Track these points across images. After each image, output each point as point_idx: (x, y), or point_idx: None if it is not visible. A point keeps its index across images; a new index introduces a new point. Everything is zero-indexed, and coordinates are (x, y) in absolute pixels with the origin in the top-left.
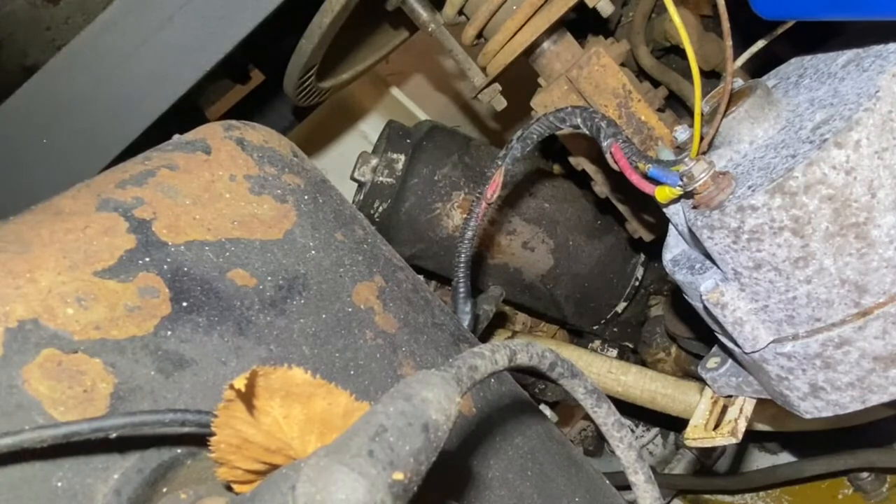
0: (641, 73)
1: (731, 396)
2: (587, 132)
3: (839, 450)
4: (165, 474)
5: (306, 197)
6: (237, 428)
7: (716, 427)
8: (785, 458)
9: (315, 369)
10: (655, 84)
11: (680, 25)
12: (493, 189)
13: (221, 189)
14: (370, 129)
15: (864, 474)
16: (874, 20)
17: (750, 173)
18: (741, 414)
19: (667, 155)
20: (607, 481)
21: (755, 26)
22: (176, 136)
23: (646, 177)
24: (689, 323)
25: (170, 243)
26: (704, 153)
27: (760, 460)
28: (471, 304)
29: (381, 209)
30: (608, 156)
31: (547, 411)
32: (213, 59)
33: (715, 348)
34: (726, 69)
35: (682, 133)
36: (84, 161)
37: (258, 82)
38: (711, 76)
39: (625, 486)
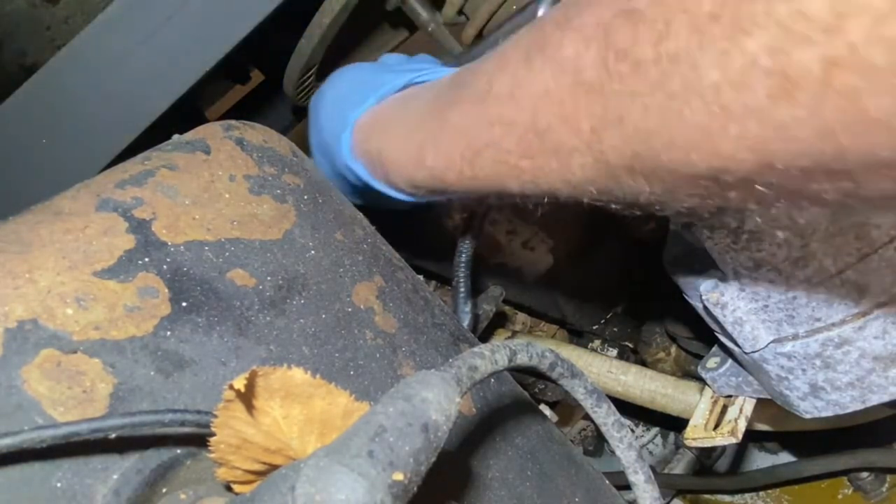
0: None
1: (731, 396)
2: None
3: (839, 450)
4: (165, 475)
5: (306, 197)
6: (237, 428)
7: (716, 427)
8: (785, 458)
9: (315, 369)
10: None
11: None
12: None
13: (221, 189)
14: None
15: (864, 474)
16: None
17: None
18: (741, 414)
19: None
20: (607, 481)
21: None
22: (175, 136)
23: None
24: (689, 323)
25: (169, 243)
26: None
27: (760, 460)
28: (471, 304)
29: None
30: None
31: (547, 411)
32: (213, 59)
33: (715, 348)
34: None
35: None
36: (84, 161)
37: (258, 82)
38: None
39: (625, 486)
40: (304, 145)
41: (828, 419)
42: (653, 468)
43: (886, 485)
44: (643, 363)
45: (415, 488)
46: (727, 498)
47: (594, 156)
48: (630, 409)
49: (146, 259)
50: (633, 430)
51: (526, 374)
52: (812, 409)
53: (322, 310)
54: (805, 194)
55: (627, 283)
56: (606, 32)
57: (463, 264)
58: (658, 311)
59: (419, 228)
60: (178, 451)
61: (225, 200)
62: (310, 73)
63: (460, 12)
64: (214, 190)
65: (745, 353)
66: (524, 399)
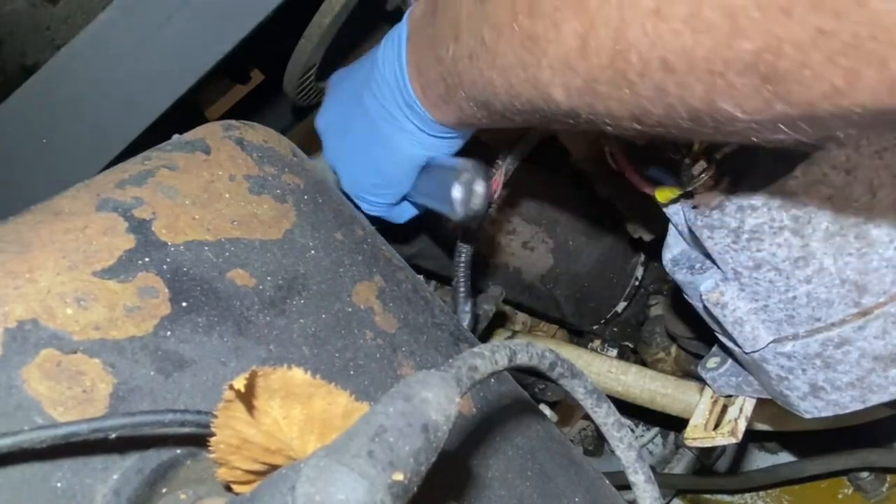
0: None
1: (731, 396)
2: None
3: (839, 450)
4: (165, 475)
5: (306, 197)
6: (237, 428)
7: (716, 427)
8: (785, 457)
9: (315, 369)
10: None
11: None
12: (494, 189)
13: (221, 189)
14: None
15: (864, 474)
16: None
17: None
18: (741, 414)
19: None
20: (607, 481)
21: None
22: (175, 136)
23: (646, 177)
24: (689, 323)
25: (169, 243)
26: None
27: (760, 460)
28: (471, 304)
29: None
30: (608, 156)
31: (547, 411)
32: (213, 59)
33: (715, 348)
34: None
35: None
36: (84, 161)
37: (258, 82)
38: None
39: (625, 486)
40: (304, 145)
41: (828, 419)
42: (653, 468)
43: (886, 485)
44: (643, 363)
45: (415, 488)
46: (727, 498)
47: None
48: (630, 409)
49: (146, 259)
50: (633, 430)
51: (526, 374)
52: (812, 409)
53: (322, 310)
54: None
55: (627, 283)
56: None
57: (463, 264)
58: (658, 311)
59: (419, 228)
60: (178, 451)
61: (225, 200)
62: (310, 73)
63: None
64: (214, 190)
65: (745, 353)
66: (524, 399)
